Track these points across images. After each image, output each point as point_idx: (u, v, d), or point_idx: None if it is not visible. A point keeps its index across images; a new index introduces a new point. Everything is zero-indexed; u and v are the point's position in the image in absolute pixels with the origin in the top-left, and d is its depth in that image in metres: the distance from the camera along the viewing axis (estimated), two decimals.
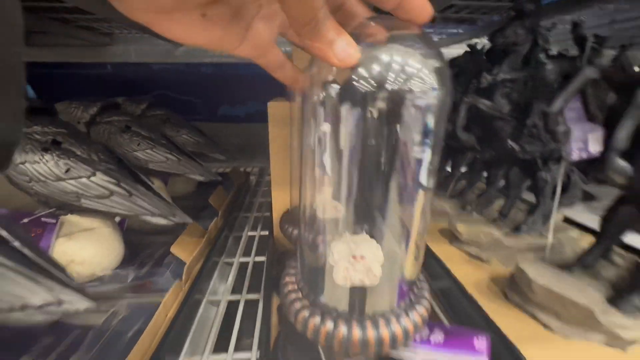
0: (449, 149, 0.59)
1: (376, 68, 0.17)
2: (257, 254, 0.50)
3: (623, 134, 0.21)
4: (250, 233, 0.57)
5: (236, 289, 0.42)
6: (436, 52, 0.17)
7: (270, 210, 0.47)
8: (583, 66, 0.32)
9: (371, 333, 0.20)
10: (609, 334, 0.25)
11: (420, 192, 0.21)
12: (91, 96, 0.63)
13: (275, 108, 0.40)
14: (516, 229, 0.39)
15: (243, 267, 0.47)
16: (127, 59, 0.96)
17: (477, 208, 0.48)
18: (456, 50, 0.81)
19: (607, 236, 0.30)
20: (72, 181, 0.31)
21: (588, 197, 0.52)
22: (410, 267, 0.23)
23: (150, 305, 0.31)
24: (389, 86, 0.17)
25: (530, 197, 0.44)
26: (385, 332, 0.20)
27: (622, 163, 0.21)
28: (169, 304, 0.31)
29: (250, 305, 0.39)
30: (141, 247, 0.43)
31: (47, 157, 0.31)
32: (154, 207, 0.34)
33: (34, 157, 0.30)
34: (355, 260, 0.23)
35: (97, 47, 0.95)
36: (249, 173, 0.88)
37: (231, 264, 0.47)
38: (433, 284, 0.40)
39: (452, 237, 0.43)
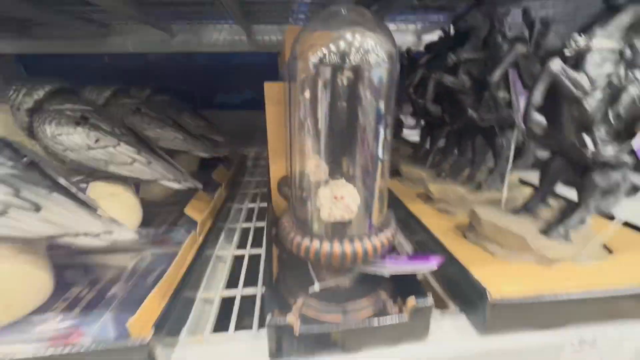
0: (428, 127, 0.65)
1: (342, 46, 0.23)
2: (257, 221, 0.56)
3: (537, 93, 0.27)
4: (250, 205, 0.63)
5: (241, 246, 0.48)
6: (388, 35, 0.23)
7: (267, 187, 0.53)
8: (532, 46, 0.39)
9: (348, 248, 0.27)
10: (538, 255, 0.32)
11: (381, 141, 0.27)
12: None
13: (270, 88, 0.46)
14: (478, 187, 0.46)
15: (245, 231, 0.53)
16: (124, 50, 1.00)
17: (449, 175, 0.54)
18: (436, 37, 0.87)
19: (544, 184, 0.37)
20: (101, 150, 0.37)
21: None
22: (378, 203, 0.29)
23: (171, 254, 0.38)
24: (352, 60, 0.23)
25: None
26: (359, 247, 0.27)
27: (538, 117, 0.28)
28: (187, 250, 0.37)
29: (254, 259, 0.45)
30: (154, 214, 0.49)
31: (79, 129, 0.36)
32: (169, 173, 0.40)
33: (69, 129, 0.36)
34: (337, 200, 0.29)
35: (95, 39, 0.98)
36: (246, 156, 0.94)
37: (235, 229, 0.53)
38: (408, 235, 0.47)
39: (426, 198, 0.50)
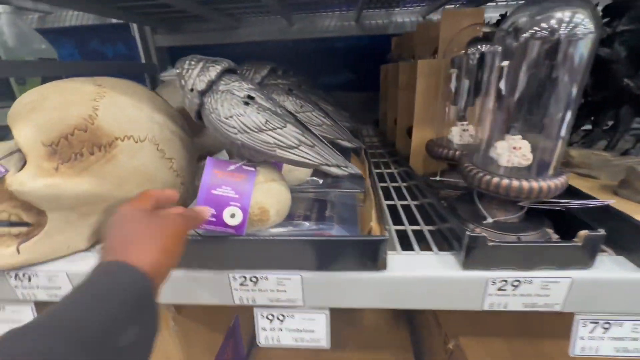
0: None
1: (552, 21, 0.30)
2: (390, 182, 0.66)
3: None
4: (377, 170, 0.73)
5: (387, 199, 0.58)
6: (594, 9, 0.29)
7: (391, 156, 0.58)
8: None
9: (525, 184, 0.34)
10: None
11: (567, 105, 0.33)
12: None
13: (423, 65, 0.53)
14: (624, 153, 0.48)
15: (385, 189, 0.63)
16: (251, 39, 1.16)
17: (583, 145, 0.57)
18: None
19: None
20: (270, 132, 0.36)
21: None
22: (555, 156, 0.36)
23: (347, 194, 0.49)
24: (561, 31, 0.29)
25: None
26: (535, 185, 0.34)
27: None
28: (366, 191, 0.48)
29: (405, 208, 0.54)
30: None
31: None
32: (332, 158, 0.38)
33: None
34: (515, 150, 0.37)
35: (227, 31, 1.16)
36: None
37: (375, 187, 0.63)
38: None
39: (563, 164, 0.54)
